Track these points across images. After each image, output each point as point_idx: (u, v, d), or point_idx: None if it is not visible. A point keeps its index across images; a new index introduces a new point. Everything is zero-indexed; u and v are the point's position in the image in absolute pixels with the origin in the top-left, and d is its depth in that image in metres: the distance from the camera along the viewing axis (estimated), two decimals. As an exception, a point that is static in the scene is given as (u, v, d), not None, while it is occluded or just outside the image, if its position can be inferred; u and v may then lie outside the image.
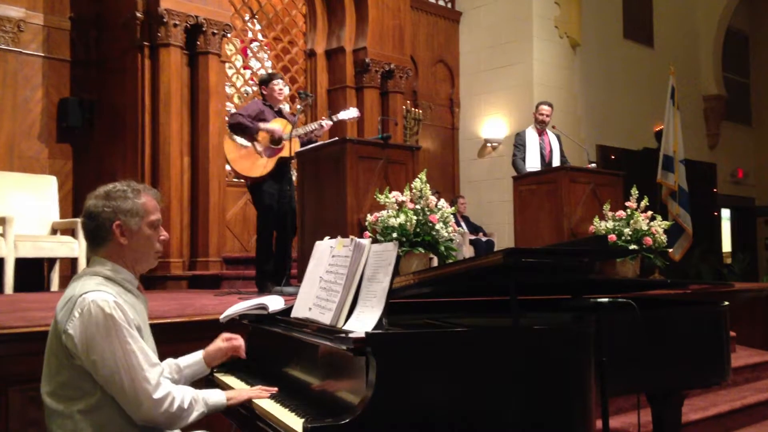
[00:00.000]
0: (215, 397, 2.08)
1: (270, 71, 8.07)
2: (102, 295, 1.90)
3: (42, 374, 1.98)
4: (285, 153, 5.31)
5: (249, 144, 5.37)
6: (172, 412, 1.92)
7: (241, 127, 5.35)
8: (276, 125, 5.41)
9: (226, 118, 6.80)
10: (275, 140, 5.38)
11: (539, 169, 6.75)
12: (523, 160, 6.88)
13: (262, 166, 5.36)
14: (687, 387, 3.15)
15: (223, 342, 2.39)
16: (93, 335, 1.86)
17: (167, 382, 1.96)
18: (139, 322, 2.00)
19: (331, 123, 5.67)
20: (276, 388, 2.17)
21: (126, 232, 2.02)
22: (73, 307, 1.90)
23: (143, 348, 1.92)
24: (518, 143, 6.99)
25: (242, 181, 7.38)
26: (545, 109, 7.03)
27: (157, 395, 1.89)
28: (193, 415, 1.98)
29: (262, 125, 5.37)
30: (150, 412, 1.89)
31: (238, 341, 2.41)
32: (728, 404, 4.57)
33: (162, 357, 2.12)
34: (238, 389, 2.22)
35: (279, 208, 5.36)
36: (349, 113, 5.81)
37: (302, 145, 5.48)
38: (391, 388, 1.74)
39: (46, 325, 2.73)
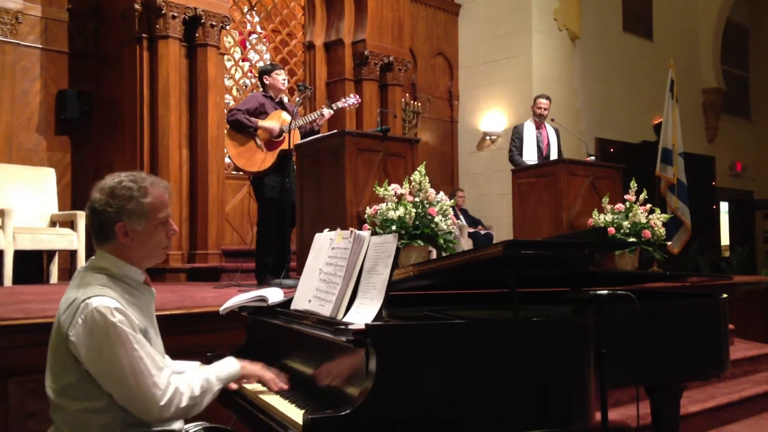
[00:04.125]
0: (227, 369, 2.09)
1: (270, 63, 8.05)
2: (105, 301, 1.85)
3: (46, 369, 1.95)
4: (285, 146, 5.30)
5: (250, 138, 5.36)
6: (183, 407, 1.91)
7: (239, 125, 5.35)
8: (274, 123, 5.39)
9: (225, 111, 6.80)
10: (275, 135, 5.37)
11: (537, 162, 6.74)
12: (520, 154, 6.86)
13: (263, 160, 5.35)
14: (686, 379, 3.15)
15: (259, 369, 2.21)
16: (99, 344, 1.83)
17: (174, 379, 1.93)
18: (144, 324, 1.96)
19: (332, 112, 5.64)
20: (287, 386, 2.13)
21: (130, 232, 1.98)
22: (76, 312, 1.85)
23: (150, 353, 1.89)
24: (515, 137, 6.96)
25: (241, 173, 7.39)
26: (543, 102, 7.01)
27: (165, 400, 1.87)
28: (208, 398, 1.99)
29: (260, 123, 5.37)
30: (162, 414, 1.88)
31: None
32: (726, 397, 4.58)
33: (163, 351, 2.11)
34: (252, 365, 2.18)
35: (280, 200, 5.35)
36: (349, 100, 5.78)
37: (303, 135, 5.47)
38: (391, 379, 1.74)
39: (45, 317, 2.74)
